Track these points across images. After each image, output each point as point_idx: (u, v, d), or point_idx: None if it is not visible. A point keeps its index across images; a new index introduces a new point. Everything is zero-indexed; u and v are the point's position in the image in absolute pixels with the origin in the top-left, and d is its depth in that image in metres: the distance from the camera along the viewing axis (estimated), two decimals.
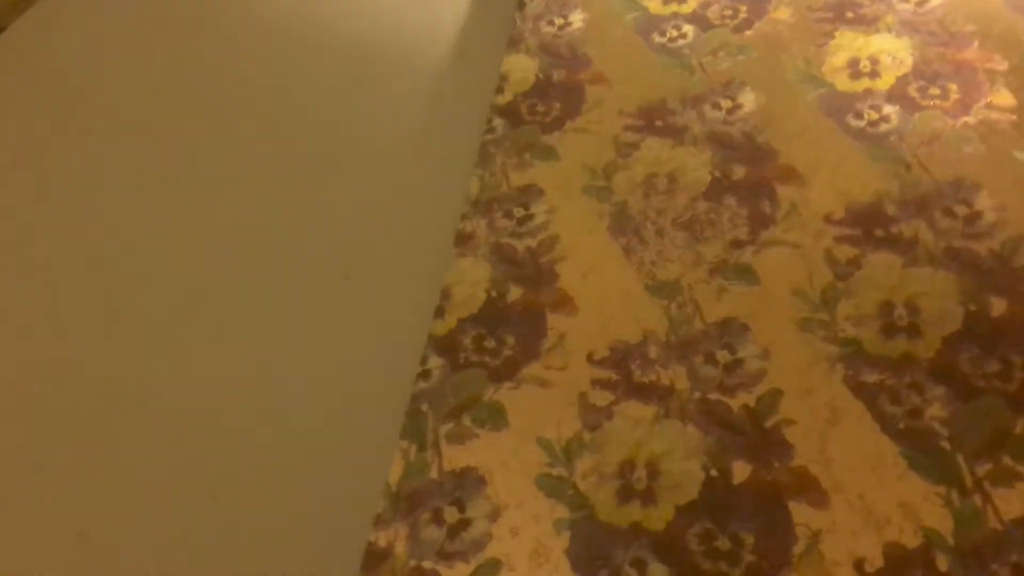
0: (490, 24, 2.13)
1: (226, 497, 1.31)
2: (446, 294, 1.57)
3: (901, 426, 1.22)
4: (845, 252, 1.45)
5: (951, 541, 1.11)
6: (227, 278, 1.62)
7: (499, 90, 1.95)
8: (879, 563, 1.11)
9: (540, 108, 1.89)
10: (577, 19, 2.08)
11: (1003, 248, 1.38)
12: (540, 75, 1.96)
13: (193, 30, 2.19)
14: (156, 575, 1.23)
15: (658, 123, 1.77)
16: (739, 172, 1.63)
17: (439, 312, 1.54)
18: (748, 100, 1.75)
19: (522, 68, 1.99)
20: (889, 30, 1.80)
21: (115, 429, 1.40)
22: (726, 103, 1.76)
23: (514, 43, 2.06)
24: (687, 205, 1.60)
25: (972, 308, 1.32)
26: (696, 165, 1.66)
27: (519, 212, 1.67)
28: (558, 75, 1.95)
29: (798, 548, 1.14)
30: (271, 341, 1.52)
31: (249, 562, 1.24)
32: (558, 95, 1.90)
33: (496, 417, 1.36)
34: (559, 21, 2.08)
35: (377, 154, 1.85)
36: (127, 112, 1.98)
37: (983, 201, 1.45)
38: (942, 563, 1.10)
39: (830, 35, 1.82)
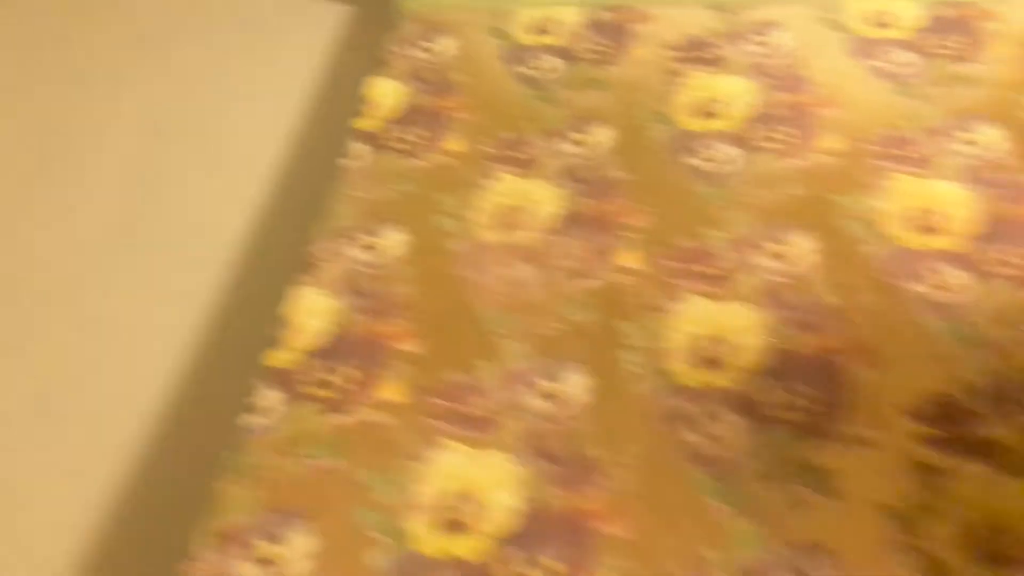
0: (360, 47, 2.14)
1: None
2: (286, 325, 1.56)
3: None
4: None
5: None
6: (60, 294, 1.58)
7: (362, 115, 1.95)
8: None
9: (403, 135, 1.89)
10: (448, 45, 2.09)
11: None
12: (405, 101, 1.97)
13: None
14: None
15: (510, 154, 1.80)
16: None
17: (276, 344, 1.53)
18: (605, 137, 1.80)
19: (387, 93, 1.99)
20: (738, 72, 1.87)
21: None
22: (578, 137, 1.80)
23: (382, 66, 2.06)
24: (539, 239, 1.64)
25: (775, 341, 1.39)
26: (547, 199, 1.70)
27: (368, 240, 1.68)
28: (423, 102, 1.96)
29: None
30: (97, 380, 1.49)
31: None
32: (423, 122, 1.92)
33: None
34: (428, 46, 2.09)
35: (233, 176, 1.84)
36: None
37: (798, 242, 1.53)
38: None
39: (681, 74, 1.89)
